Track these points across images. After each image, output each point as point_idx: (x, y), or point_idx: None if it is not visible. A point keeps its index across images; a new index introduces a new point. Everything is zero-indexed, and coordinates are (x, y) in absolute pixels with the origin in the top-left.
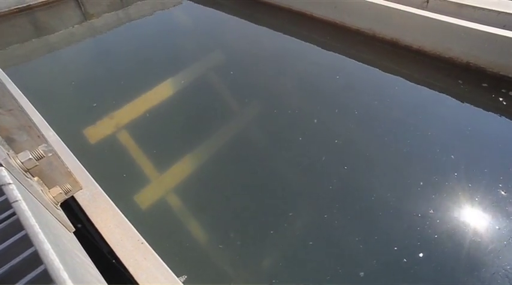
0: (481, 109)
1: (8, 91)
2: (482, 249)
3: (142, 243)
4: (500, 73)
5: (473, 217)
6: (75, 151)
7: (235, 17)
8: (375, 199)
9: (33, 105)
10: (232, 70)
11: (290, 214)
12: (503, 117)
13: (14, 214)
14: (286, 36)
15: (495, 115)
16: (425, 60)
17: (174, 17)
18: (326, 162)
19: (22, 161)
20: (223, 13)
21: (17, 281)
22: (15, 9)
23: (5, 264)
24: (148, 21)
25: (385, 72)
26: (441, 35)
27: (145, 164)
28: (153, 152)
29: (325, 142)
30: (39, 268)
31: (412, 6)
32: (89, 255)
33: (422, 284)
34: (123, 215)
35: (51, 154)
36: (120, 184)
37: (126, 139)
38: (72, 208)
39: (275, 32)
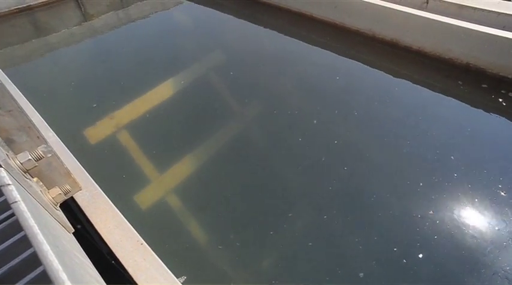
0: (481, 110)
1: (8, 92)
2: (481, 250)
3: (141, 244)
4: (500, 74)
5: (473, 218)
6: (74, 151)
7: (235, 17)
8: (375, 200)
9: (32, 106)
10: (232, 71)
11: (290, 214)
12: (503, 118)
13: (13, 214)
14: (285, 36)
15: (495, 116)
16: (425, 61)
17: (174, 17)
18: (326, 163)
19: (21, 162)
20: (223, 13)
21: (16, 282)
22: (15, 9)
23: (4, 265)
24: (148, 22)
25: (385, 72)
26: (441, 35)
27: (145, 165)
28: (153, 153)
29: (325, 142)
30: (38, 269)
31: (412, 7)
32: (89, 256)
33: (422, 284)
34: (122, 215)
35: (50, 155)
36: (119, 185)
37: (125, 139)
38: (71, 209)
39: (275, 32)
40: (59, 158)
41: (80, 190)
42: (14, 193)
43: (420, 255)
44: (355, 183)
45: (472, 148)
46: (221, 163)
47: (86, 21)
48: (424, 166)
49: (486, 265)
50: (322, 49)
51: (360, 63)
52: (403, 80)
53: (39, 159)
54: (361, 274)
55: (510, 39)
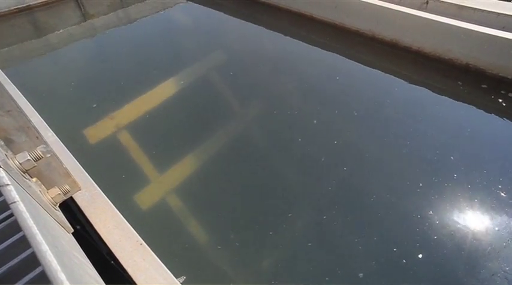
0: (481, 111)
1: (7, 92)
2: (481, 250)
3: (141, 244)
4: (500, 74)
5: (472, 218)
6: (74, 151)
7: (235, 18)
8: (375, 200)
9: (32, 106)
10: (231, 71)
11: (289, 214)
12: (503, 118)
13: (12, 215)
14: (285, 36)
15: (494, 116)
16: (425, 61)
17: (174, 17)
18: (325, 163)
19: (20, 162)
20: (223, 13)
21: (15, 282)
22: (14, 9)
23: (2, 266)
24: (148, 21)
25: (385, 73)
26: (441, 36)
27: (145, 165)
28: (153, 153)
29: (325, 142)
30: (37, 269)
31: (411, 8)
32: (88, 256)
33: (422, 284)
34: (122, 216)
35: (49, 155)
36: (119, 185)
37: (125, 139)
38: (71, 209)
39: (275, 32)
40: (58, 158)
41: (80, 190)
42: (12, 193)
43: (420, 256)
44: (355, 183)
45: (472, 149)
46: (221, 163)
47: (86, 21)
48: (423, 167)
49: (486, 265)
50: (322, 50)
51: (359, 63)
52: (403, 80)
53: (39, 159)
54: (361, 274)
55: (510, 39)
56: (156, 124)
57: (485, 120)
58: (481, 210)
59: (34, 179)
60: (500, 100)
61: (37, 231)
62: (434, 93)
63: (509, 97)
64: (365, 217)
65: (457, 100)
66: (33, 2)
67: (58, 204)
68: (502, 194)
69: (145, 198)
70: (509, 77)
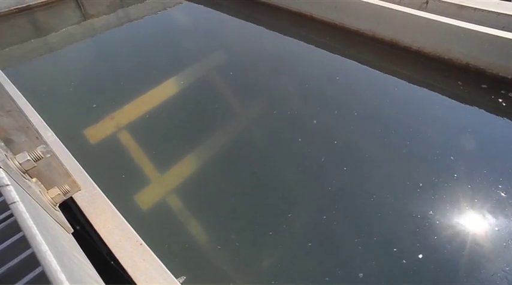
0: (481, 110)
1: (7, 92)
2: (481, 250)
3: (141, 244)
4: (500, 74)
5: (472, 218)
6: (74, 151)
7: (234, 18)
8: (374, 200)
9: (32, 106)
10: (231, 71)
11: (289, 214)
12: (503, 118)
13: (11, 215)
14: (285, 36)
15: (494, 116)
16: (425, 61)
17: (174, 17)
18: (325, 163)
19: (20, 162)
20: (223, 13)
21: (14, 282)
22: (14, 9)
23: (2, 266)
24: (148, 22)
25: (385, 73)
26: (441, 36)
27: (145, 165)
28: (153, 153)
29: (325, 142)
30: (36, 269)
31: (411, 7)
32: (88, 257)
33: (422, 284)
34: (121, 216)
35: (49, 155)
36: (119, 185)
37: (125, 139)
38: (71, 209)
39: (274, 32)
40: (58, 158)
41: (79, 190)
42: (12, 193)
43: (420, 256)
44: (355, 183)
45: (472, 149)
46: (220, 163)
47: (86, 21)
48: (423, 167)
49: (486, 266)
50: (322, 50)
51: (359, 63)
52: (403, 80)
53: (38, 159)
54: (361, 274)
55: (510, 39)
56: (156, 124)
57: (485, 119)
58: (481, 210)
59: (34, 180)
60: (500, 100)
61: (37, 231)
62: (434, 93)
63: (509, 97)
64: (365, 217)
65: (457, 100)
66: (33, 2)
67: (58, 204)
68: (502, 194)
69: (145, 198)
70: (509, 77)
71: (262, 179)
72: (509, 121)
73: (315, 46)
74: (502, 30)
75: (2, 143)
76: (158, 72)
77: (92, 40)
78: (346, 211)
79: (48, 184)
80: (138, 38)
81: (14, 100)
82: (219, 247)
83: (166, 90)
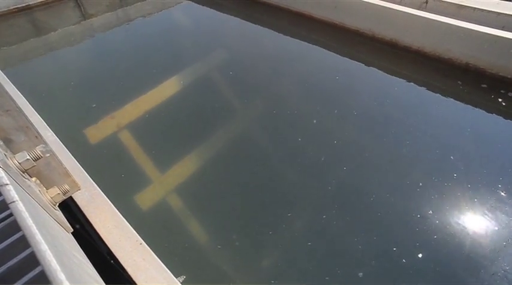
0: (481, 110)
1: (6, 92)
2: (481, 249)
3: (141, 243)
4: (500, 74)
5: (472, 218)
6: (73, 151)
7: (234, 17)
8: (374, 200)
9: (31, 106)
10: (231, 71)
11: (289, 214)
12: (503, 118)
13: (11, 215)
14: (285, 36)
15: (494, 116)
16: (425, 60)
17: (174, 17)
18: (325, 162)
19: (19, 162)
20: (223, 13)
21: (14, 282)
22: (14, 8)
23: (2, 265)
24: (148, 21)
25: (385, 72)
26: (440, 35)
27: (145, 165)
28: (152, 153)
29: (325, 142)
30: (36, 269)
31: (411, 7)
32: (88, 256)
33: (422, 284)
34: (121, 215)
35: (49, 155)
36: (119, 185)
37: (125, 139)
38: (70, 209)
39: (274, 32)
40: (57, 158)
41: (79, 189)
42: (12, 192)
43: (420, 255)
44: (355, 183)
45: (472, 148)
46: (220, 162)
47: (85, 20)
48: (423, 166)
49: (486, 265)
50: (322, 49)
51: (359, 62)
52: (403, 80)
53: (38, 159)
54: (361, 274)
55: (510, 39)
56: (156, 124)
57: (485, 119)
58: (481, 209)
59: (33, 179)
60: (500, 100)
61: (36, 231)
62: (434, 93)
63: (509, 97)
64: (365, 216)
65: (457, 100)
66: (33, 2)
67: (57, 204)
68: (502, 193)
69: (145, 198)
70: (509, 77)
71: (262, 178)
72: (509, 120)
73: (315, 45)
74: (501, 29)
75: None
76: (159, 72)
77: (91, 40)
78: (346, 211)
79: (47, 184)
80: (138, 38)
81: (13, 100)
82: (219, 246)
83: (166, 89)
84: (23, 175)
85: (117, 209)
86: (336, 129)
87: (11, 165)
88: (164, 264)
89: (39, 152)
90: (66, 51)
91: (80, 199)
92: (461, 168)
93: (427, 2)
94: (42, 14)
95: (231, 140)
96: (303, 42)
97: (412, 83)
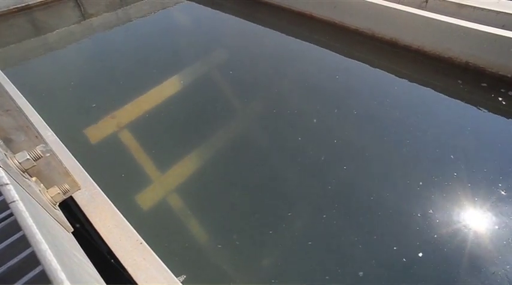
0: (481, 109)
1: (6, 92)
2: (482, 248)
3: (141, 243)
4: (500, 73)
5: (473, 217)
6: (74, 151)
7: (234, 17)
8: (374, 199)
9: (31, 105)
10: (231, 70)
11: (289, 213)
12: (503, 117)
13: (11, 214)
14: (285, 35)
15: (494, 115)
16: (425, 60)
17: (174, 17)
18: (325, 162)
19: (20, 161)
20: (223, 13)
21: (14, 282)
22: (13, 8)
23: (3, 265)
24: (148, 21)
25: (384, 71)
26: (440, 34)
27: (145, 164)
28: (152, 152)
29: (325, 142)
30: (37, 269)
31: (411, 6)
32: (88, 256)
33: (422, 283)
34: (121, 215)
35: (49, 154)
36: (119, 184)
37: (125, 138)
38: (70, 208)
39: (274, 31)
40: (57, 157)
41: (79, 189)
42: (12, 192)
43: (420, 254)
44: (355, 182)
45: (472, 147)
46: (221, 162)
47: (85, 20)
48: (423, 166)
49: (486, 264)
50: (322, 49)
51: (359, 62)
52: (403, 79)
53: (38, 158)
54: (361, 273)
55: (509, 38)
56: (156, 124)
57: (485, 118)
58: (481, 209)
59: (33, 179)
60: (500, 99)
61: (37, 230)
62: (434, 92)
63: (509, 96)
64: (365, 215)
65: (457, 99)
66: (32, 2)
67: (58, 203)
68: (502, 192)
69: (145, 197)
70: (509, 76)
71: (262, 178)
72: (509, 119)
73: (315, 45)
74: (501, 28)
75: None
76: (159, 72)
77: (91, 39)
78: (346, 210)
79: (47, 183)
80: (138, 37)
81: (13, 100)
82: (219, 246)
83: (167, 89)
84: (23, 174)
85: (117, 208)
86: (336, 128)
87: (11, 165)
88: (164, 263)
89: (39, 152)
90: (66, 50)
91: (80, 198)
92: (461, 167)
93: (427, 1)
94: (41, 13)
95: (231, 139)
96: (302, 41)
97: (412, 82)
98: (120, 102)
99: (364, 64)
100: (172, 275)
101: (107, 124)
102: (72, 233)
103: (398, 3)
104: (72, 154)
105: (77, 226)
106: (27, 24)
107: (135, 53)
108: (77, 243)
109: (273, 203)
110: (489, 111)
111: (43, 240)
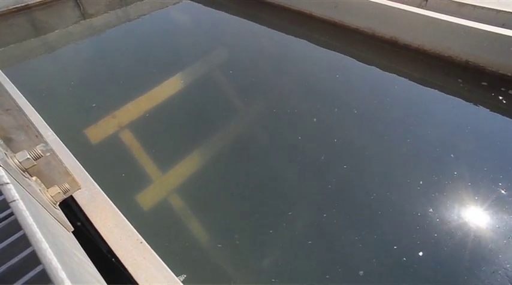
0: (481, 108)
1: (6, 91)
2: (482, 247)
3: (141, 242)
4: (500, 71)
5: (473, 216)
6: (74, 150)
7: (234, 16)
8: (375, 198)
9: (32, 105)
10: (231, 70)
11: (289, 213)
12: (503, 116)
13: (12, 213)
14: (285, 35)
15: (495, 113)
16: (425, 58)
17: (174, 17)
18: (325, 161)
19: (20, 160)
20: (223, 12)
21: (15, 281)
22: (13, 8)
23: (3, 264)
24: (148, 21)
25: (385, 70)
26: (440, 33)
27: (145, 164)
28: (152, 152)
29: (325, 141)
30: (37, 268)
31: (411, 5)
32: (88, 255)
33: (422, 282)
34: (122, 214)
35: (49, 154)
36: (119, 184)
37: (125, 138)
38: (71, 208)
39: (274, 31)
40: (57, 157)
41: (80, 189)
42: (12, 191)
43: (420, 253)
44: (355, 181)
45: (472, 146)
46: (221, 161)
47: (85, 20)
48: (423, 164)
49: (486, 263)
50: (322, 48)
51: (359, 61)
52: (403, 78)
53: (38, 158)
54: (361, 272)
55: (510, 36)
56: (157, 123)
57: (485, 117)
58: (481, 208)
59: (34, 178)
60: (500, 98)
61: (37, 229)
62: (434, 91)
63: (509, 95)
64: (365, 214)
65: (457, 98)
66: (32, 1)
67: (58, 203)
68: (502, 191)
69: (146, 197)
70: (509, 74)
71: (263, 177)
72: (510, 118)
73: (315, 44)
74: (501, 27)
75: (2, 142)
76: (159, 71)
77: (91, 39)
78: (346, 209)
79: (48, 183)
80: (138, 37)
81: (13, 99)
82: (220, 245)
83: (167, 89)
84: (24, 174)
85: (118, 208)
86: (336, 127)
87: (11, 164)
88: (165, 263)
89: (39, 152)
90: (66, 50)
91: (80, 198)
92: (461, 166)
93: (427, 0)
94: (41, 13)
95: (231, 139)
96: (303, 40)
97: (412, 81)
98: (120, 101)
99: (364, 63)
100: (173, 274)
101: (107, 124)
102: (72, 232)
103: (399, 2)
104: (73, 154)
105: (78, 223)
106: (27, 24)
107: (135, 53)
108: (77, 242)
109: (273, 203)
110: (489, 109)
111: (43, 240)
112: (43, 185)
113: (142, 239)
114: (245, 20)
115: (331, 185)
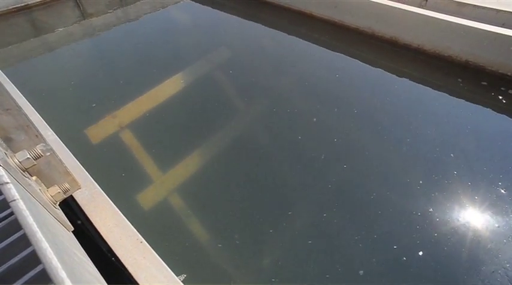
0: (481, 108)
1: (6, 91)
2: (481, 247)
3: (141, 242)
4: (500, 71)
5: (473, 215)
6: (74, 150)
7: (234, 16)
8: (375, 198)
9: (32, 105)
10: (231, 69)
11: (289, 213)
12: (503, 115)
13: (12, 213)
14: (285, 34)
15: (495, 113)
16: (425, 58)
17: (175, 17)
18: (325, 161)
19: (20, 160)
20: (223, 12)
21: (15, 281)
22: (13, 8)
23: (3, 264)
24: (148, 21)
25: (385, 70)
26: (440, 33)
27: (145, 164)
28: (153, 152)
29: (325, 140)
30: (37, 267)
31: (411, 5)
32: (88, 255)
33: (422, 282)
34: (122, 214)
35: (49, 154)
36: (119, 184)
37: (126, 138)
38: (71, 207)
39: (274, 30)
40: (57, 156)
41: (80, 188)
42: (12, 191)
43: (420, 253)
44: (355, 181)
45: (472, 146)
46: (221, 161)
47: (85, 20)
48: (423, 164)
49: (486, 263)
50: (322, 48)
51: (359, 61)
52: (403, 78)
53: (38, 158)
54: (361, 272)
55: (509, 36)
56: (157, 123)
57: (485, 117)
58: (481, 207)
59: (34, 178)
60: (500, 97)
61: (37, 229)
62: (434, 91)
63: (509, 94)
64: (365, 214)
65: (458, 98)
66: (32, 1)
67: (58, 202)
68: (502, 191)
69: (146, 197)
70: (509, 74)
71: (263, 177)
72: (510, 118)
73: (315, 44)
74: (501, 27)
75: (2, 142)
76: (159, 71)
77: (91, 39)
78: (346, 209)
79: (48, 182)
80: (138, 37)
81: (13, 99)
82: (220, 245)
83: (167, 88)
84: (24, 173)
85: (118, 207)
86: (336, 127)
87: (11, 164)
88: (165, 262)
89: (39, 151)
90: (66, 50)
91: (80, 197)
92: (461, 166)
93: (427, 0)
94: (41, 13)
95: (231, 139)
96: (303, 40)
97: (412, 81)
98: (120, 101)
99: (364, 63)
100: (173, 274)
101: (107, 124)
102: (72, 232)
103: (399, 2)
104: (73, 154)
105: (79, 222)
106: (27, 24)
107: (135, 53)
108: (77, 242)
109: (273, 202)
110: (489, 109)
111: (43, 239)
112: (43, 185)
113: (143, 239)
114: (245, 20)
115: (331, 185)
